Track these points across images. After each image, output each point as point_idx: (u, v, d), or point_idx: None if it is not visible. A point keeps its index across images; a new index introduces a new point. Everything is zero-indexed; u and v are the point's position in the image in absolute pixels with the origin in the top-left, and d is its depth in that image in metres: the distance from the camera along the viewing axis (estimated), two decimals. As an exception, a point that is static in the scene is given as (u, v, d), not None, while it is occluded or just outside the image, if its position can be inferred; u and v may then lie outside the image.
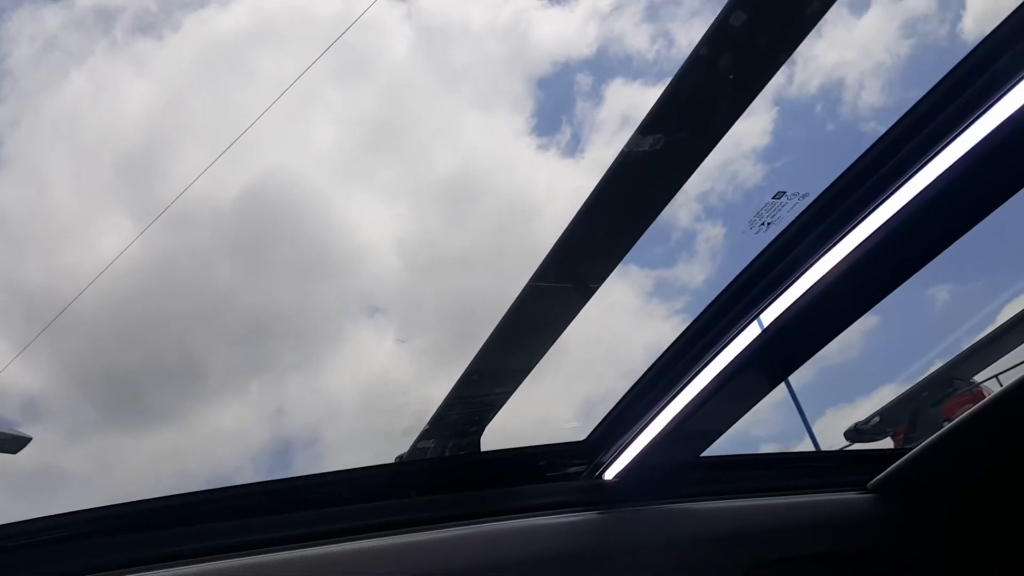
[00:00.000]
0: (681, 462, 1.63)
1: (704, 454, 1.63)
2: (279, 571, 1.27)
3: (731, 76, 1.23)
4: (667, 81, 1.25)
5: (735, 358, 1.38)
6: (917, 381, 2.84)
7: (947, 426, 1.58)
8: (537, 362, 1.64)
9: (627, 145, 1.30)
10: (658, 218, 1.40)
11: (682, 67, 1.22)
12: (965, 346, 2.95)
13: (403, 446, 1.73)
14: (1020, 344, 2.66)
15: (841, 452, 2.69)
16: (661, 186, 1.35)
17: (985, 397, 2.90)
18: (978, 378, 3.05)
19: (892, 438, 2.85)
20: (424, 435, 1.71)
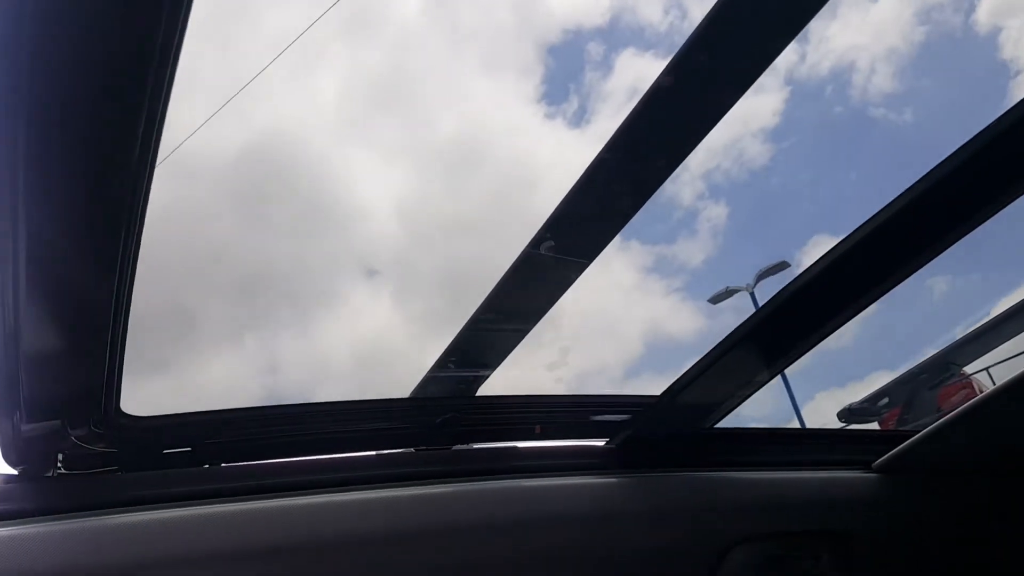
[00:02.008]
0: (682, 432, 1.64)
1: (703, 426, 1.65)
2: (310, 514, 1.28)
3: (737, 51, 1.22)
4: (676, 52, 1.23)
5: (737, 331, 1.39)
6: (915, 364, 2.85)
7: (956, 410, 1.58)
8: (530, 329, 1.65)
9: (630, 115, 1.29)
10: (661, 194, 1.39)
11: (688, 39, 1.21)
12: (958, 333, 2.96)
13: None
14: (1017, 334, 2.67)
15: (845, 431, 2.70)
16: (663, 158, 1.34)
17: (975, 388, 2.93)
18: (969, 371, 3.06)
19: (883, 421, 2.86)
20: (415, 393, 1.72)
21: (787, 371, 1.63)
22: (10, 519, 1.12)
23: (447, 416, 1.50)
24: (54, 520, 1.14)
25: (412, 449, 1.53)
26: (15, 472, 1.23)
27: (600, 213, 1.40)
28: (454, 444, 1.54)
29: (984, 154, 1.13)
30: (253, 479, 1.34)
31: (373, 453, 1.51)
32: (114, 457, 1.25)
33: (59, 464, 1.23)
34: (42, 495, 1.21)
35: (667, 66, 1.22)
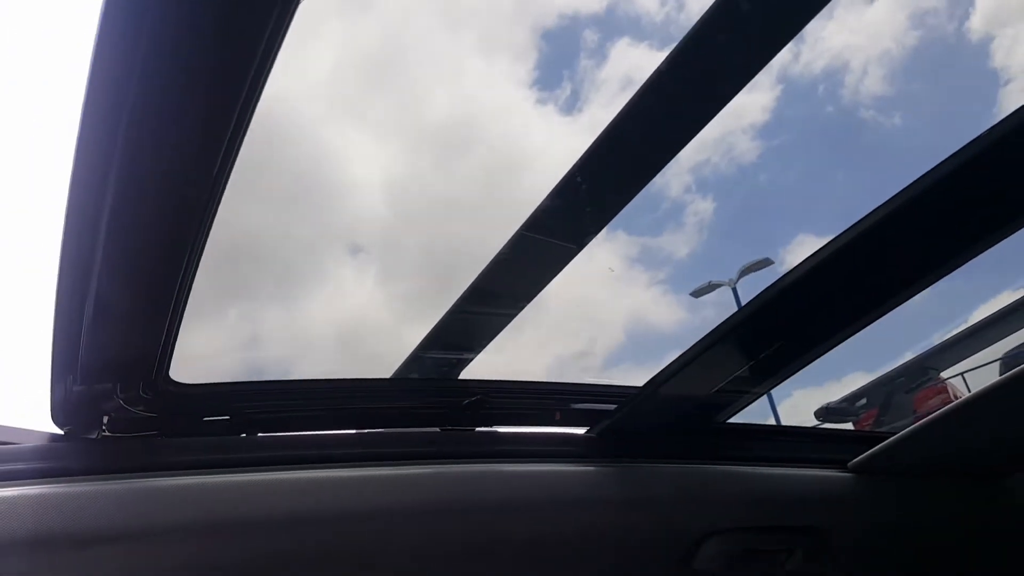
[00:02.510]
0: (662, 424, 1.64)
1: (684, 419, 1.66)
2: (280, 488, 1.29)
3: (738, 47, 1.22)
4: (673, 44, 1.23)
5: (722, 326, 1.40)
6: (893, 367, 2.88)
7: (933, 414, 1.60)
8: (516, 314, 1.65)
9: (628, 104, 1.29)
10: (650, 186, 1.39)
11: (690, 32, 1.21)
12: (937, 338, 3.00)
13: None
14: (995, 341, 2.70)
15: (822, 430, 2.73)
16: (658, 149, 1.35)
17: (950, 392, 2.97)
18: (945, 375, 3.10)
19: (859, 421, 2.89)
20: (399, 373, 1.72)
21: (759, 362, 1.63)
22: (54, 477, 1.15)
23: (474, 398, 1.55)
24: (96, 480, 1.17)
25: (437, 429, 1.58)
26: (61, 432, 1.28)
27: (593, 201, 1.40)
28: (476, 425, 1.59)
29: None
30: (287, 450, 1.38)
31: (399, 430, 1.58)
32: (156, 422, 1.29)
33: (104, 426, 1.26)
34: (86, 455, 1.24)
35: (667, 58, 1.21)
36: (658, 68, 1.24)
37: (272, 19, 0.82)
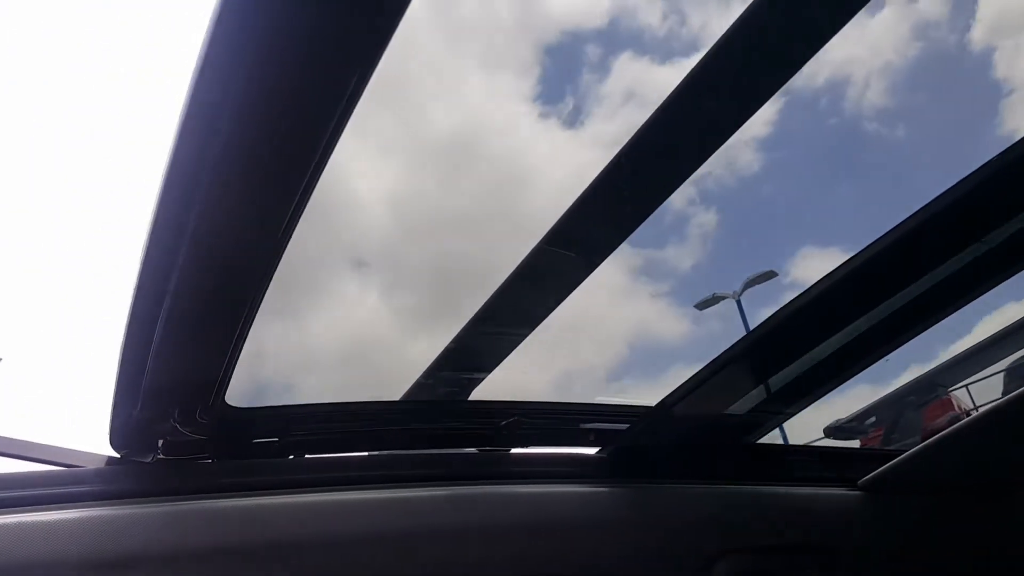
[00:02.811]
0: (672, 444, 1.64)
1: (695, 439, 1.65)
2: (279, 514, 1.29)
3: (759, 65, 1.23)
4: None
5: (736, 346, 1.40)
6: (902, 384, 2.87)
7: (943, 432, 1.60)
8: (529, 333, 1.64)
9: (648, 121, 1.29)
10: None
11: (711, 49, 1.21)
12: (941, 352, 2.99)
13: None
14: (1005, 356, 2.69)
15: (831, 449, 2.71)
16: (678, 165, 1.35)
17: (954, 404, 2.96)
18: (950, 389, 3.09)
19: (867, 439, 2.88)
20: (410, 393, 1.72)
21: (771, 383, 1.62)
22: (112, 500, 1.18)
23: (511, 419, 1.56)
24: (153, 503, 1.19)
25: (475, 449, 1.61)
26: (118, 455, 1.30)
27: (611, 217, 1.40)
28: (512, 446, 1.60)
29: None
30: (333, 471, 1.41)
31: (441, 451, 1.62)
32: (209, 444, 1.31)
33: (159, 450, 1.28)
34: (142, 478, 1.27)
35: (687, 76, 1.21)
36: (678, 86, 1.24)
37: (374, 40, 0.86)
